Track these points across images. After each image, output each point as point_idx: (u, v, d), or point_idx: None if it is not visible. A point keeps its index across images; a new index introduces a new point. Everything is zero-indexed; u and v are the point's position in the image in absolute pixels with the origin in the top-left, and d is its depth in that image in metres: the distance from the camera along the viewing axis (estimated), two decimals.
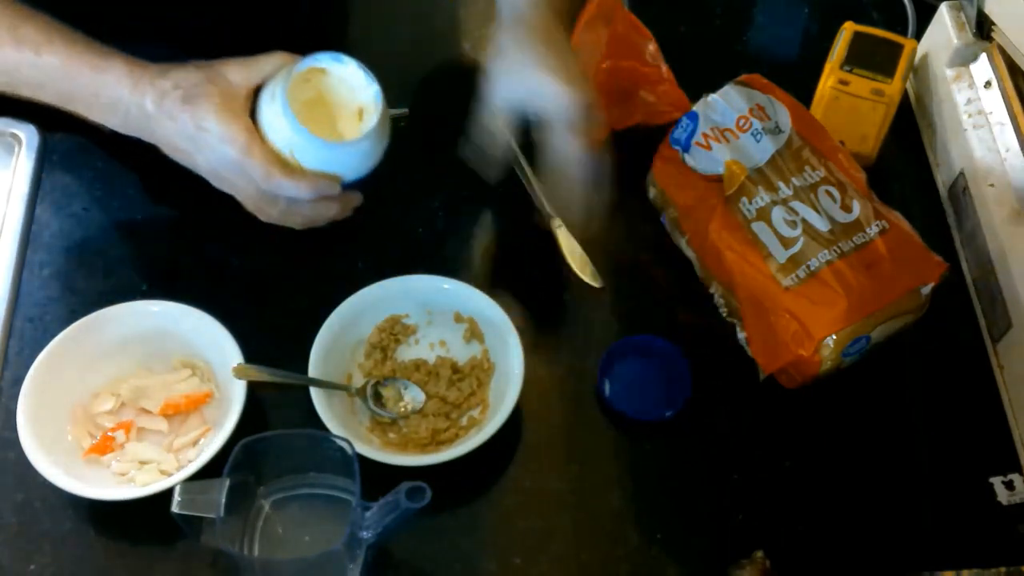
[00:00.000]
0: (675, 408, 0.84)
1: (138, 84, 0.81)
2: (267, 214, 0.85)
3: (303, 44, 0.85)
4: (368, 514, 0.71)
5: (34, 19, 0.82)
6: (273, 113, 0.81)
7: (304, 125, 0.80)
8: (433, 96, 1.03)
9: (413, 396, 0.84)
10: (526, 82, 0.81)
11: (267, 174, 0.80)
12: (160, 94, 0.81)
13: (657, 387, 0.86)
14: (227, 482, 0.70)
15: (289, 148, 0.81)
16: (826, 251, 0.83)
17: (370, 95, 0.84)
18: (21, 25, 0.81)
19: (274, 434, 0.74)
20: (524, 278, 0.93)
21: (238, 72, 0.82)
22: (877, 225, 0.85)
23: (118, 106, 0.82)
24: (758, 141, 0.89)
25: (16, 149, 0.97)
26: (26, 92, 0.84)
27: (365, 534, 0.72)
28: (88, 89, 0.82)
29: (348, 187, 0.84)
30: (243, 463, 0.71)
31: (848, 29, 1.01)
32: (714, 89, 0.93)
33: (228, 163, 0.81)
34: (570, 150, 0.82)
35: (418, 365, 0.86)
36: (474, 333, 0.87)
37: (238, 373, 0.79)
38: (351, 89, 0.85)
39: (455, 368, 0.86)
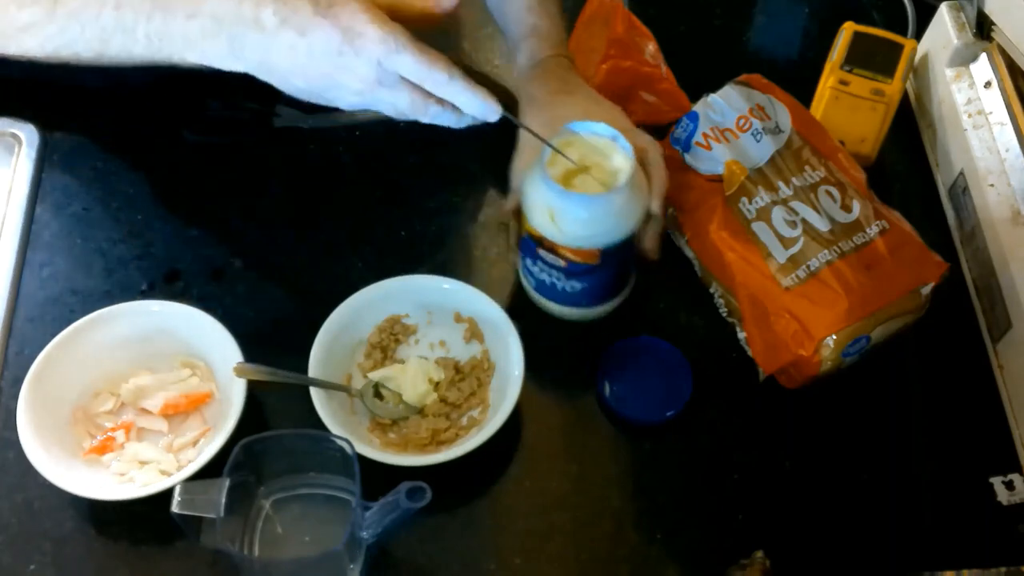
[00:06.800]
0: (675, 408, 0.84)
1: None
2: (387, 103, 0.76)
3: None
4: (368, 514, 0.71)
5: None
6: (531, 183, 0.80)
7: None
8: None
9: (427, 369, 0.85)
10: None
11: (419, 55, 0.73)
12: (284, 3, 0.72)
13: (657, 388, 0.86)
14: (227, 482, 0.70)
15: (548, 209, 0.79)
16: (826, 251, 0.83)
17: (621, 155, 0.81)
18: None
19: (274, 434, 0.73)
20: None
21: None
22: (877, 225, 0.85)
23: (222, 25, 0.74)
24: (758, 141, 0.89)
25: (16, 149, 0.97)
26: (116, 46, 0.79)
27: (365, 534, 0.72)
28: (186, 8, 0.75)
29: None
30: (243, 463, 0.71)
31: (848, 29, 1.01)
32: (714, 89, 0.93)
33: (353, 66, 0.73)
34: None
35: None
36: (474, 333, 0.87)
37: (238, 373, 0.79)
38: (604, 154, 0.82)
39: (455, 368, 0.86)
